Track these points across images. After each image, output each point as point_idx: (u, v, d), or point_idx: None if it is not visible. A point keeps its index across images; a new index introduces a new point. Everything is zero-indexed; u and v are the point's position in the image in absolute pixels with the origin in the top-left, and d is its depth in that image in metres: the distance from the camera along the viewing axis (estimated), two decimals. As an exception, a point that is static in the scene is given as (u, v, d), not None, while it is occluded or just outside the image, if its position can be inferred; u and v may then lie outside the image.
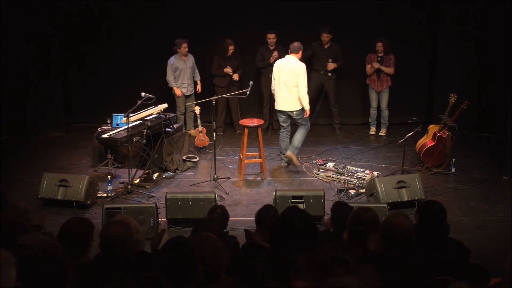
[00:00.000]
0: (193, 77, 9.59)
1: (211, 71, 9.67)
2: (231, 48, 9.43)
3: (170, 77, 9.39)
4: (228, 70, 9.49)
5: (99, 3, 9.93)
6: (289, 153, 8.16)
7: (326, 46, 9.61)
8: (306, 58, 8.92)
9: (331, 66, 9.55)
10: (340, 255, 2.93)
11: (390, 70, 9.52)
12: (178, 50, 9.31)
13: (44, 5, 9.43)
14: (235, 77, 9.53)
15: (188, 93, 9.57)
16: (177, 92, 9.44)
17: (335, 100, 9.94)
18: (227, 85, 9.58)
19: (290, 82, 7.93)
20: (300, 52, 8.04)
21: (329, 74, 9.64)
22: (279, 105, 8.12)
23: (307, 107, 7.99)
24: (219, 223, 4.61)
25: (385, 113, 9.85)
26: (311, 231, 3.44)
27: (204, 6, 9.90)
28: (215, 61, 9.61)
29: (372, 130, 10.04)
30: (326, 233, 4.70)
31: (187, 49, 9.32)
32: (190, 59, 9.50)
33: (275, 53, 9.37)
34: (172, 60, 9.36)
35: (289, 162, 8.32)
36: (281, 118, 8.23)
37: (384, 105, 9.79)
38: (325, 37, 9.50)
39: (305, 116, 8.09)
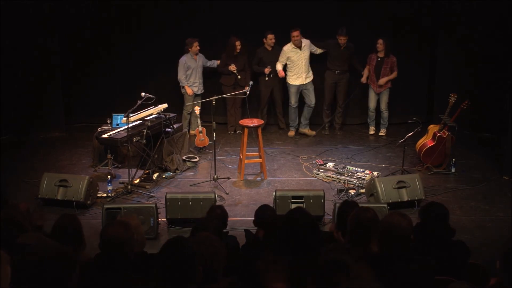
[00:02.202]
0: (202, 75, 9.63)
1: (217, 69, 9.73)
2: (237, 44, 9.43)
3: (182, 76, 9.42)
4: (232, 67, 9.50)
5: (99, 3, 9.92)
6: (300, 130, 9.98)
7: (342, 47, 9.64)
8: (321, 46, 9.77)
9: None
10: (340, 259, 2.91)
11: (394, 75, 9.52)
12: (190, 49, 9.34)
13: (45, 5, 9.43)
14: (236, 72, 9.51)
15: (199, 92, 9.59)
16: (189, 91, 9.47)
17: (343, 100, 9.96)
18: (233, 84, 9.59)
19: None
20: (292, 36, 9.43)
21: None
22: None
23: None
24: (218, 222, 4.60)
25: (385, 114, 9.84)
26: (314, 232, 3.45)
27: (203, 7, 9.92)
28: (222, 59, 9.64)
29: (372, 130, 10.03)
30: (328, 234, 4.70)
31: (198, 48, 9.36)
32: (201, 58, 9.54)
33: (267, 70, 9.60)
34: (184, 59, 9.38)
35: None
36: None
37: (383, 106, 9.78)
38: (342, 39, 9.52)
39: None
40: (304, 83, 9.68)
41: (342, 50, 9.65)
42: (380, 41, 9.38)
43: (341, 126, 10.08)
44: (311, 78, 9.74)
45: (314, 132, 9.94)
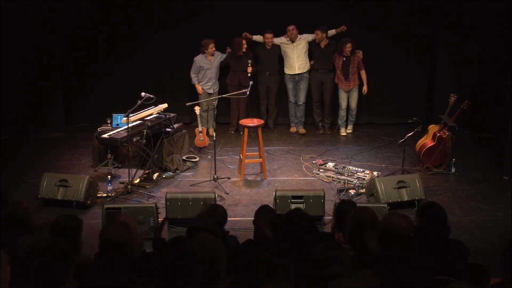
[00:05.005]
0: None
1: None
2: (244, 43, 9.42)
3: (191, 74, 9.51)
4: (249, 69, 9.47)
5: (99, 3, 9.92)
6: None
7: (322, 45, 9.63)
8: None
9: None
10: (336, 254, 2.92)
11: (364, 75, 9.51)
12: (206, 51, 9.37)
13: (45, 5, 9.43)
14: (249, 69, 9.48)
15: (212, 91, 9.59)
16: (198, 88, 9.53)
17: (331, 100, 9.92)
18: (237, 85, 9.58)
19: None
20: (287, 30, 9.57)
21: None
22: None
23: None
24: (213, 220, 4.49)
25: (354, 112, 9.80)
26: (312, 233, 3.46)
27: (203, 7, 9.92)
28: (225, 60, 9.66)
29: (343, 131, 9.90)
30: (326, 233, 4.70)
31: (214, 49, 9.39)
32: (217, 58, 9.55)
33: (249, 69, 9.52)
34: (197, 59, 9.43)
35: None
36: None
37: (354, 104, 9.70)
38: (315, 34, 9.53)
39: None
40: (297, 72, 9.72)
41: (322, 49, 9.63)
42: (349, 45, 9.27)
43: (329, 126, 10.05)
44: (304, 69, 9.75)
45: (304, 131, 10.02)
